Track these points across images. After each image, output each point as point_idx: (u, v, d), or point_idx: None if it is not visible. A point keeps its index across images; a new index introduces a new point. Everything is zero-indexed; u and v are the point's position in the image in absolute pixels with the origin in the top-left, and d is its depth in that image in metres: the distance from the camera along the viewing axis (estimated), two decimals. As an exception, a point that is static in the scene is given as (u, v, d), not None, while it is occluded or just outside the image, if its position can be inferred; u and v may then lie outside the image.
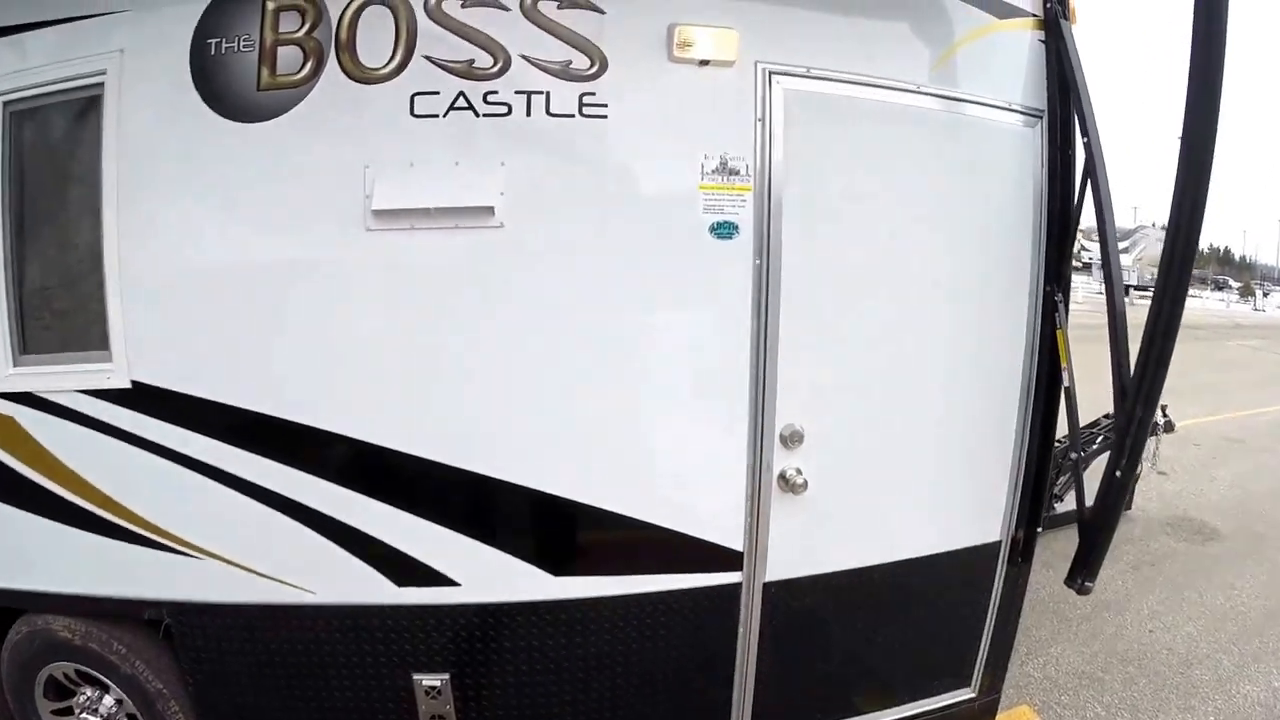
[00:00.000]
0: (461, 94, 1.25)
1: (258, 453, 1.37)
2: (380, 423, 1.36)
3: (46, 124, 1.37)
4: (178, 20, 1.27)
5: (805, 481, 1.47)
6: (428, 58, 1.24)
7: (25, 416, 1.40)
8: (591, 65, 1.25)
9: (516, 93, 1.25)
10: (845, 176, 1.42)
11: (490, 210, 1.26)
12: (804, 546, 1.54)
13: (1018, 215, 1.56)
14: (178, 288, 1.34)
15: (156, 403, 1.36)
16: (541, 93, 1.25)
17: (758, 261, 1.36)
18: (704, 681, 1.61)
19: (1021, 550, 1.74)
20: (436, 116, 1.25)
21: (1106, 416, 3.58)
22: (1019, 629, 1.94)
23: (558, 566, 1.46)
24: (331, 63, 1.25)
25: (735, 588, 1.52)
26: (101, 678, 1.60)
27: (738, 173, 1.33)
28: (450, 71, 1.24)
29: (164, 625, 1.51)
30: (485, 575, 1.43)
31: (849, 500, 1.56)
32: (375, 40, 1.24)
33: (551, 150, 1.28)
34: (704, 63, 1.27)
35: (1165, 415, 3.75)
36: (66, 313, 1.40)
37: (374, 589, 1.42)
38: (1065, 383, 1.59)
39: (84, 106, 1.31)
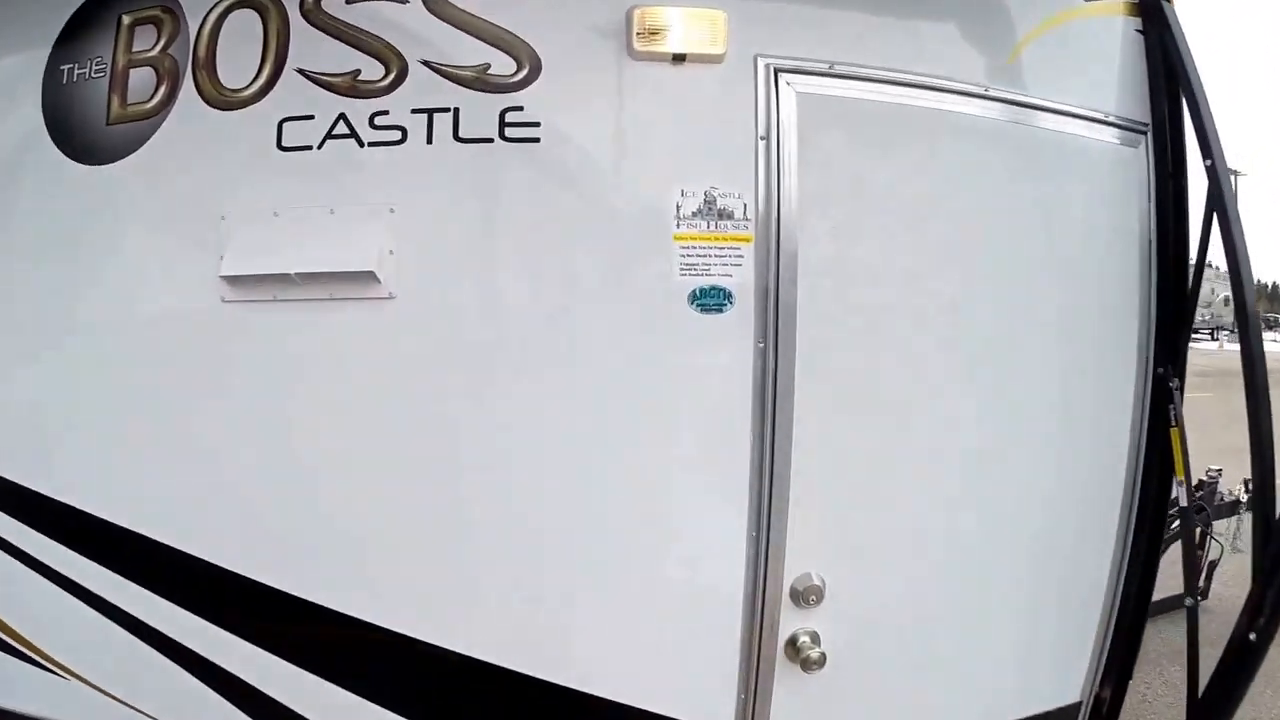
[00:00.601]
0: (342, 117, 0.91)
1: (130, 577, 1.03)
2: (241, 555, 0.99)
3: None
4: (31, 43, 1.03)
5: (823, 654, 0.95)
6: (301, 71, 0.92)
7: None
8: (518, 69, 0.88)
9: (414, 112, 0.89)
10: (887, 219, 0.95)
11: (373, 276, 0.89)
12: None
13: (1118, 272, 1.09)
14: (16, 367, 1.06)
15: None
16: (448, 110, 0.89)
17: (761, 345, 0.91)
18: None
19: (1107, 710, 1.19)
20: (310, 148, 0.92)
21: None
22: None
23: None
24: (188, 85, 0.96)
25: None
26: None
27: (732, 215, 0.89)
28: (329, 88, 0.91)
29: None
30: None
31: (885, 678, 1.02)
32: (239, 54, 0.94)
33: (461, 190, 0.90)
34: (679, 58, 0.87)
35: (1248, 489, 2.84)
36: None
37: None
38: (1181, 500, 1.11)
39: None
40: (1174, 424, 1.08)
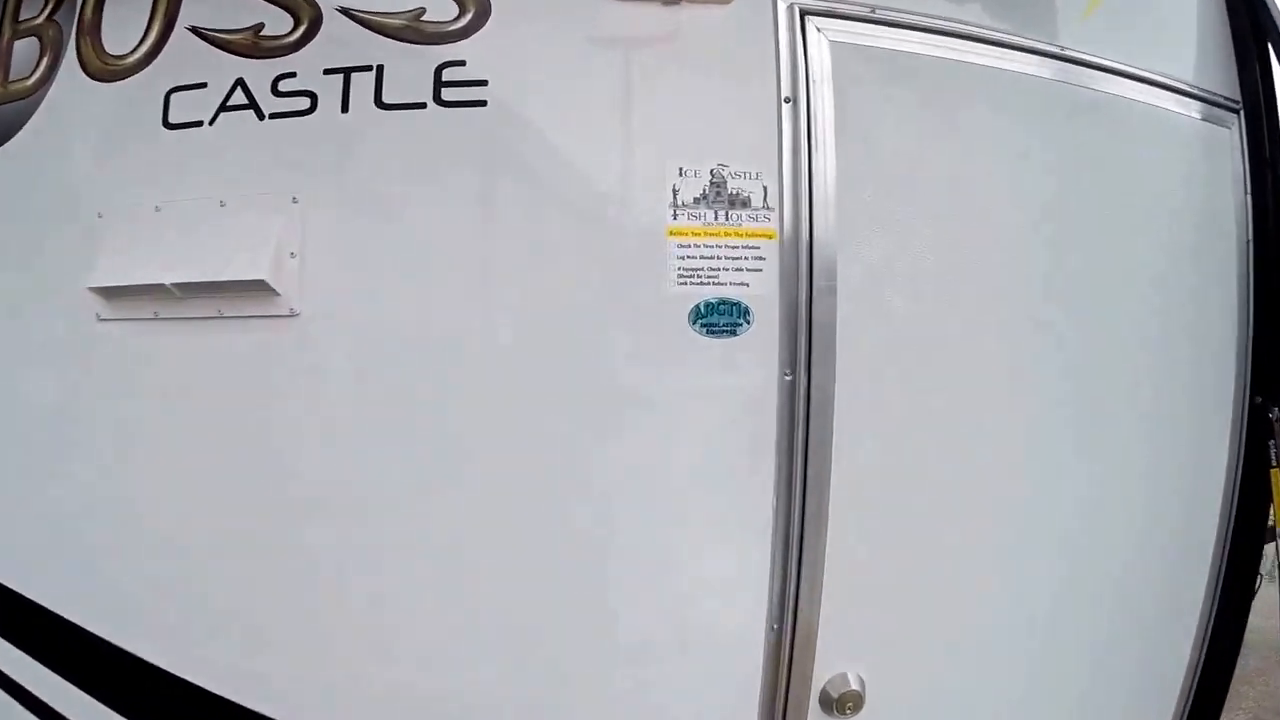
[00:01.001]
0: (240, 84, 0.71)
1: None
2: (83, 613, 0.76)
3: None
4: None
5: None
6: (194, 29, 0.72)
7: None
8: (460, 13, 0.66)
9: (327, 73, 0.68)
10: (951, 208, 0.70)
11: (267, 287, 0.67)
12: None
13: (1209, 281, 0.86)
14: None
15: None
16: (369, 69, 0.67)
17: (789, 378, 0.65)
18: None
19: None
20: (201, 124, 0.72)
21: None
22: None
23: None
24: (70, 55, 0.77)
25: None
26: None
27: (748, 203, 0.65)
28: (225, 47, 0.71)
29: None
30: None
31: None
32: (127, 15, 0.75)
33: (386, 171, 0.68)
34: (672, -5, 0.64)
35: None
36: None
37: None
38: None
39: None
40: (1275, 464, 0.86)
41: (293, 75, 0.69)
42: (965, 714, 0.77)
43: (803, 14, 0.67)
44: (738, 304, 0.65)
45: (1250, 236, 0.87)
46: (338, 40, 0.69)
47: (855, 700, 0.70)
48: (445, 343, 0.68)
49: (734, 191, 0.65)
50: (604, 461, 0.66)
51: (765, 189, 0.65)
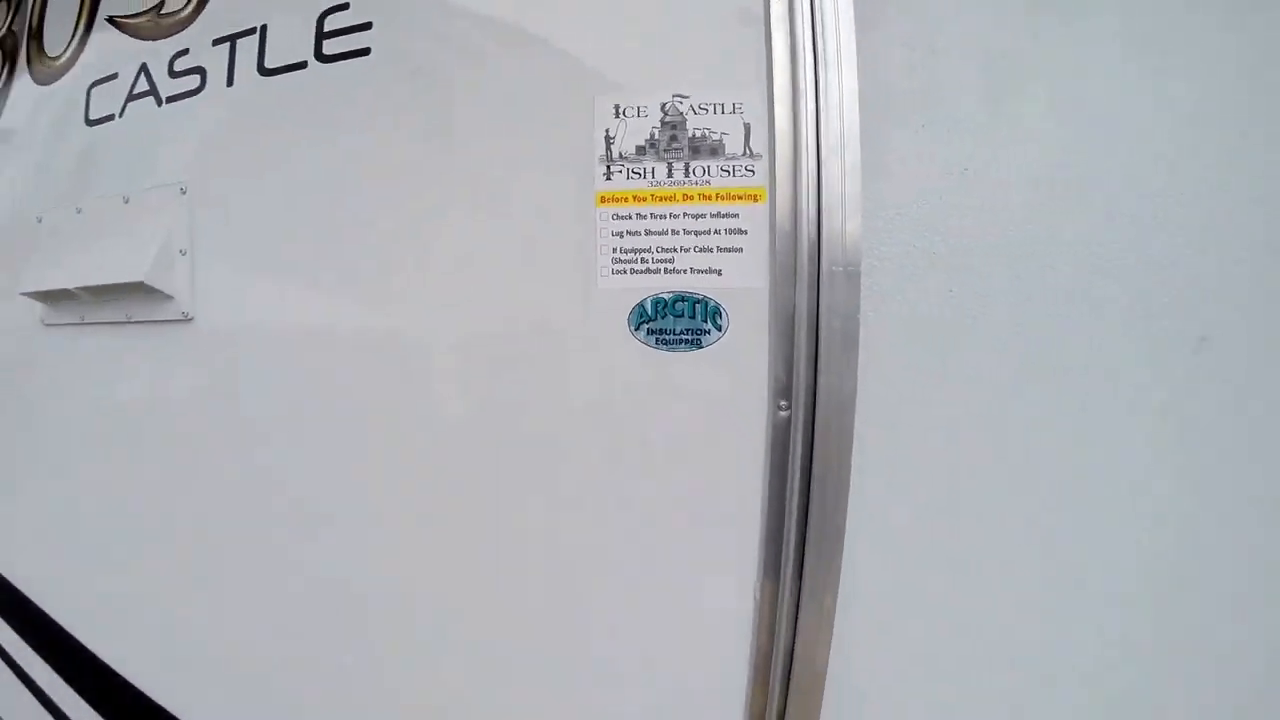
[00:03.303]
0: (143, 69, 0.62)
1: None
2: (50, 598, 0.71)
3: None
4: None
5: None
6: (111, 19, 0.66)
7: None
8: (343, -56, 0.53)
9: (215, 43, 0.57)
10: (1046, 153, 0.42)
11: (148, 289, 0.57)
12: None
13: None
14: None
15: None
16: (252, 31, 0.55)
17: (784, 412, 0.42)
18: None
19: None
20: (113, 117, 0.65)
21: None
22: None
23: None
24: (21, 62, 0.75)
25: None
26: None
27: (720, 149, 0.44)
28: (132, 33, 0.63)
29: None
30: None
31: None
32: (63, 11, 0.71)
33: (268, 148, 0.56)
34: None
35: None
36: None
37: None
38: None
39: None
40: None
41: (185, 52, 0.60)
42: None
43: None
44: (704, 301, 0.44)
45: None
46: (224, 5, 0.58)
47: None
48: (342, 342, 0.54)
49: (699, 132, 0.44)
50: (518, 531, 0.47)
51: (748, 127, 0.44)
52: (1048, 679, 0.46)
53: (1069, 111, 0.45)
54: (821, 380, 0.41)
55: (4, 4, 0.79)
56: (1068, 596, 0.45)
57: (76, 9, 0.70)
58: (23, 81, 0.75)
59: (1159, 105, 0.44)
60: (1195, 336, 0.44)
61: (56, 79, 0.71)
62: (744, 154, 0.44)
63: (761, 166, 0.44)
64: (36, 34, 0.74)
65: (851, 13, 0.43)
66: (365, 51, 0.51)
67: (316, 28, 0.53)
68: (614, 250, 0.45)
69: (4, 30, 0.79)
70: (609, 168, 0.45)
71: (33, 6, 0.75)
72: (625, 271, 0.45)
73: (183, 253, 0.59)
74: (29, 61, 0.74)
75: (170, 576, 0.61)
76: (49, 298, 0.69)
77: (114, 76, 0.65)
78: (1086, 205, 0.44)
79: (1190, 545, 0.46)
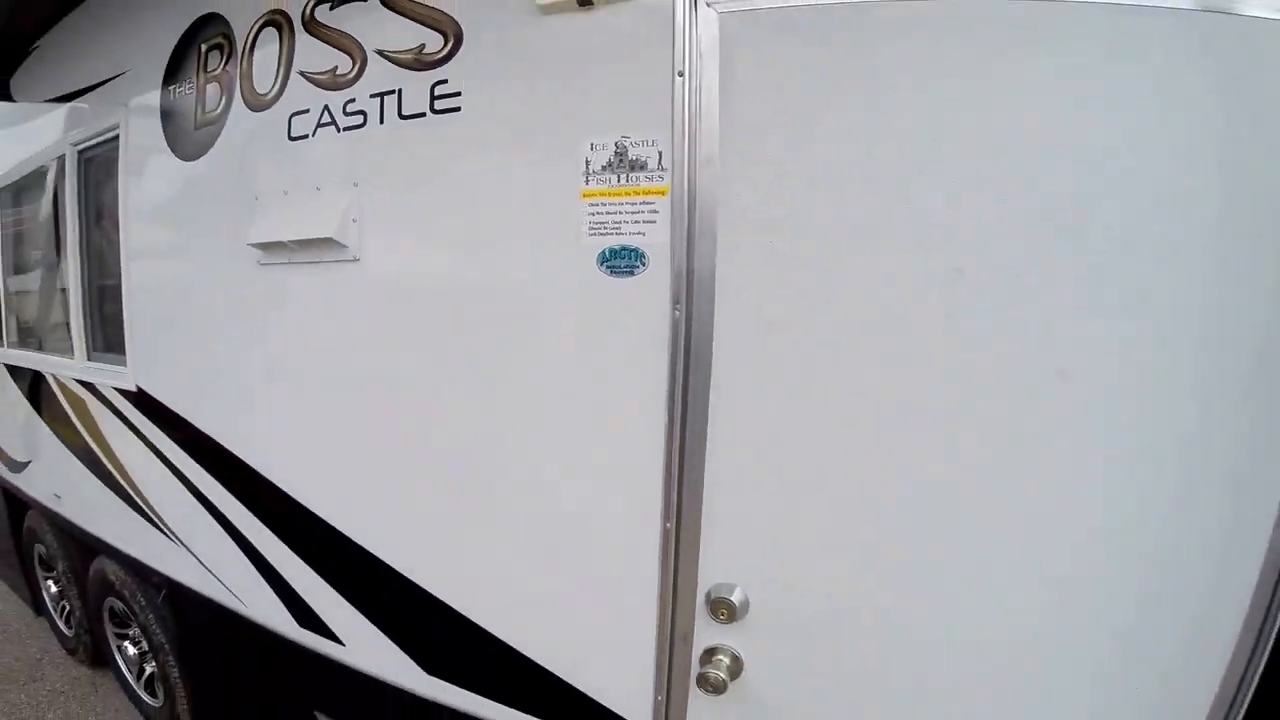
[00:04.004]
0: (326, 108, 1.05)
1: (210, 472, 1.39)
2: (292, 474, 1.24)
3: (97, 169, 1.64)
4: (154, 68, 1.37)
5: (735, 664, 0.83)
6: (302, 73, 1.08)
7: (91, 402, 1.70)
8: (444, 44, 0.92)
9: (371, 97, 0.99)
10: (840, 151, 0.75)
11: (334, 242, 1.02)
12: None
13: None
14: (155, 318, 1.46)
15: (151, 408, 1.50)
16: (394, 91, 0.97)
17: (677, 312, 0.81)
18: None
19: None
20: (307, 137, 1.08)
21: None
22: None
23: (431, 666, 1.11)
24: (237, 94, 1.19)
25: None
26: (133, 620, 1.88)
27: (644, 166, 0.82)
28: (318, 85, 1.06)
29: (164, 592, 1.65)
30: (369, 647, 1.18)
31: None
32: (266, 63, 1.14)
33: (404, 162, 0.98)
34: (585, 2, 0.82)
35: None
36: (110, 327, 1.65)
37: (282, 623, 1.31)
38: None
39: (111, 151, 1.52)
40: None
41: (353, 100, 1.01)
42: (847, 622, 0.82)
43: (701, -1, 0.80)
44: (636, 250, 0.83)
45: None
46: (377, 73, 0.99)
47: (739, 606, 0.82)
48: (442, 279, 0.97)
49: (634, 158, 0.82)
50: (538, 370, 0.90)
51: (660, 153, 0.81)
52: (869, 552, 0.78)
53: (888, 130, 0.77)
54: (695, 295, 0.81)
55: (218, 50, 1.23)
56: (881, 492, 0.77)
57: (276, 62, 1.12)
58: (239, 109, 1.19)
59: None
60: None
61: (266, 108, 1.15)
62: (657, 169, 0.82)
63: (667, 177, 0.82)
64: (247, 76, 1.17)
65: (717, 86, 0.79)
66: (458, 110, 0.91)
67: (430, 92, 0.93)
68: (590, 223, 0.85)
69: (221, 69, 1.23)
70: (588, 178, 0.84)
71: (242, 54, 1.18)
72: (596, 234, 0.85)
73: (354, 221, 1.02)
74: (243, 95, 1.18)
75: (356, 452, 1.08)
76: (265, 247, 1.15)
77: (306, 110, 1.08)
78: (882, 208, 0.79)
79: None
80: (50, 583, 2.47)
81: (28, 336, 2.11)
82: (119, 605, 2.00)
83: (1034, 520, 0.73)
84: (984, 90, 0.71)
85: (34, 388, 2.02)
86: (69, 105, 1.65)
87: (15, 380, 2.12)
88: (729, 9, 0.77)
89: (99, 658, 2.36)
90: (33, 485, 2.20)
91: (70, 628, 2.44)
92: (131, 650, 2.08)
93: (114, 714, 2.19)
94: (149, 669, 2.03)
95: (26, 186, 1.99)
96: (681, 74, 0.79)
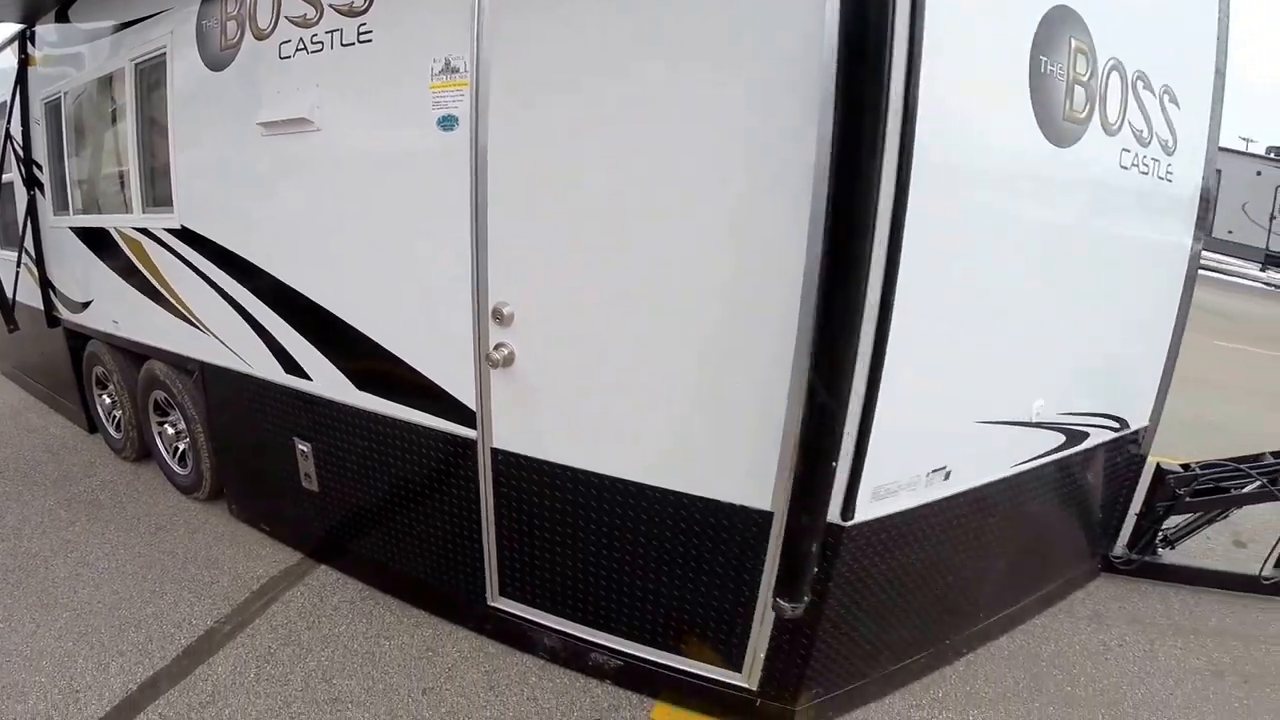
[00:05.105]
0: (300, 39, 1.86)
1: (230, 274, 2.25)
2: (282, 265, 2.10)
3: (149, 77, 2.43)
4: (191, 7, 2.16)
5: (510, 355, 1.70)
6: (287, 18, 1.88)
7: (145, 243, 2.54)
8: (366, 2, 1.73)
9: (327, 32, 1.80)
10: (553, 57, 1.53)
11: (305, 120, 1.85)
12: (522, 425, 1.76)
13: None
14: (195, 176, 2.29)
15: (191, 239, 2.35)
16: (338, 30, 1.78)
17: (474, 148, 1.66)
18: (459, 519, 1.96)
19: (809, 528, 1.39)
20: (290, 58, 1.89)
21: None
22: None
23: (363, 384, 2.00)
24: (247, 29, 1.99)
25: (473, 444, 1.83)
26: (173, 404, 2.76)
27: (458, 70, 1.65)
28: (296, 24, 1.87)
29: (196, 374, 2.53)
30: (327, 379, 2.06)
31: (558, 390, 1.69)
32: (265, 10, 1.94)
33: (344, 72, 1.80)
34: (428, -14, 1.64)
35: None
36: (161, 186, 2.47)
37: (273, 373, 2.17)
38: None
39: (160, 65, 2.32)
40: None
41: (316, 35, 1.82)
42: (576, 333, 1.63)
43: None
44: (454, 116, 1.67)
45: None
46: (330, 19, 1.80)
47: (508, 315, 1.63)
48: (367, 142, 1.81)
49: (453, 65, 1.65)
50: (418, 184, 1.75)
51: (464, 62, 1.63)
52: (586, 285, 1.70)
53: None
54: (478, 139, 1.66)
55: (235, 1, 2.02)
56: (587, 252, 1.68)
57: (271, 10, 1.92)
58: (248, 38, 1.99)
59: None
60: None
61: (265, 39, 1.95)
62: (463, 71, 1.65)
63: (469, 76, 1.64)
64: (254, 17, 1.97)
65: (492, 23, 1.61)
66: (371, 41, 1.73)
67: (357, 30, 1.75)
68: (433, 102, 1.67)
69: (236, 12, 2.01)
70: (432, 77, 1.67)
71: (253, 4, 1.98)
72: (436, 109, 1.67)
73: (318, 107, 1.84)
74: (251, 30, 1.98)
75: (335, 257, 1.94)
76: (267, 125, 1.97)
77: (289, 41, 1.88)
78: (570, 110, 1.63)
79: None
80: (104, 396, 3.34)
81: (91, 205, 2.91)
82: (161, 396, 2.87)
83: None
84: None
85: (97, 241, 2.83)
86: (128, 30, 2.42)
87: (81, 239, 2.93)
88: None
89: (142, 452, 3.26)
90: (94, 319, 3.05)
91: (119, 432, 3.32)
92: (170, 431, 2.97)
93: (150, 493, 3.10)
94: (181, 447, 2.93)
95: (89, 94, 2.77)
96: (475, 13, 1.60)
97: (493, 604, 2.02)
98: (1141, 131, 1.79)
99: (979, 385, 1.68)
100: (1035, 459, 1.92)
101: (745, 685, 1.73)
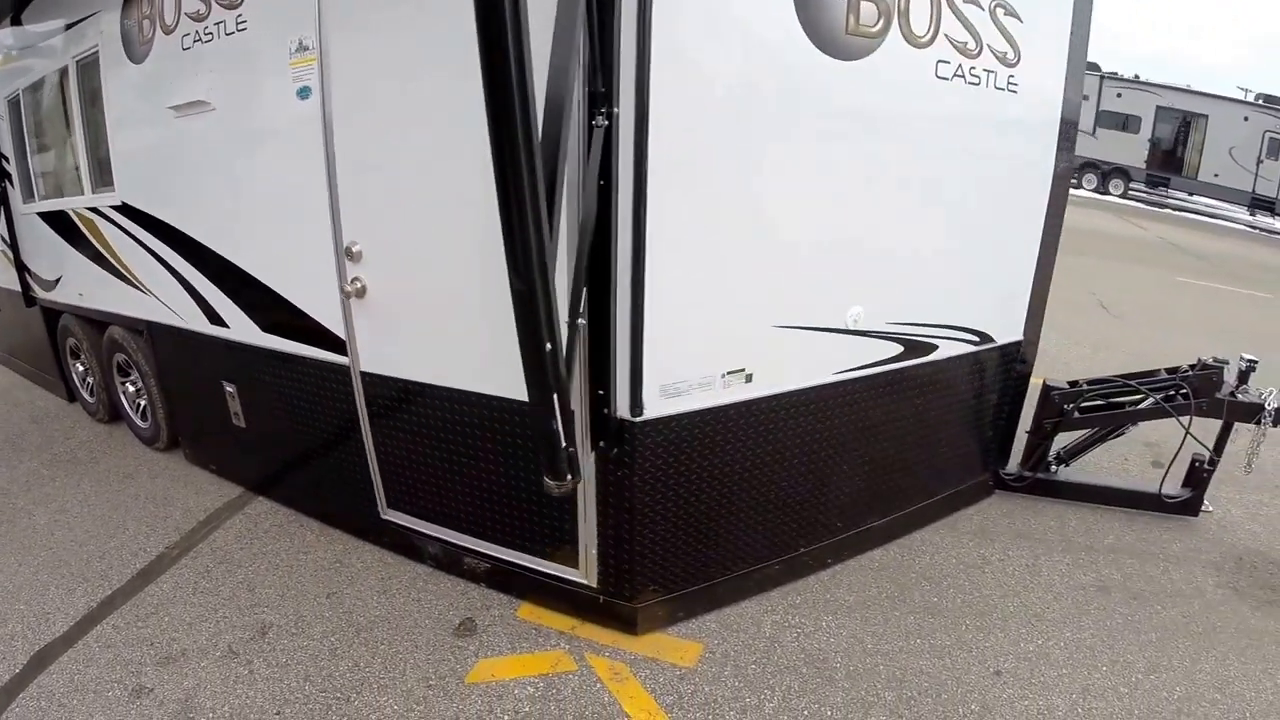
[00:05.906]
0: (196, 31, 2.21)
1: (164, 242, 2.63)
2: (198, 226, 2.48)
3: (89, 72, 2.79)
4: (114, 9, 2.52)
5: (363, 287, 2.03)
6: (186, 14, 2.24)
7: (97, 220, 2.93)
8: (241, -2, 2.08)
9: (214, 24, 2.15)
10: (379, 40, 1.88)
11: (204, 101, 2.21)
12: (380, 348, 2.11)
13: None
14: (129, 157, 2.66)
15: (130, 212, 2.74)
16: (222, 21, 2.12)
17: (324, 111, 1.99)
18: (348, 440, 2.31)
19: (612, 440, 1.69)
20: (190, 48, 2.24)
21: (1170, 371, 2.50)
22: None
23: (265, 326, 2.35)
24: (158, 26, 2.34)
25: (346, 369, 2.17)
26: (131, 364, 3.14)
27: (308, 48, 1.98)
28: (192, 19, 2.22)
29: (145, 334, 2.91)
30: (240, 325, 2.42)
31: (402, 315, 2.02)
32: (170, 8, 2.29)
33: (227, 56, 2.15)
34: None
35: None
36: (104, 169, 2.84)
37: (202, 325, 2.55)
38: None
39: (93, 62, 2.68)
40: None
41: (208, 27, 2.16)
42: (414, 265, 2.01)
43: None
44: (308, 86, 2.00)
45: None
46: (215, 13, 2.14)
47: (359, 253, 1.99)
48: (247, 115, 2.15)
49: (306, 45, 1.98)
50: (288, 147, 2.09)
51: (313, 40, 1.96)
52: (426, 226, 2.03)
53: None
54: (327, 102, 1.99)
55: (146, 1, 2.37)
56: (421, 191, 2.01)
57: (175, 7, 2.27)
58: (159, 34, 2.34)
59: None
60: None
61: (171, 33, 2.30)
62: (313, 49, 1.97)
63: (316, 53, 1.97)
64: (161, 15, 2.32)
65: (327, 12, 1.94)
66: (245, 30, 2.07)
67: (236, 21, 2.09)
68: (293, 76, 2.02)
69: (150, 12, 2.36)
70: (290, 55, 2.00)
71: (161, 3, 2.33)
72: (296, 81, 2.02)
73: (211, 90, 2.20)
74: (160, 26, 2.33)
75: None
76: (177, 108, 2.32)
77: (189, 34, 2.23)
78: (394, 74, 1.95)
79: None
80: (78, 365, 3.74)
81: (53, 191, 3.30)
82: (122, 358, 3.26)
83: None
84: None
85: (60, 223, 3.22)
86: (71, 30, 2.79)
87: (46, 223, 3.32)
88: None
89: (113, 413, 3.66)
90: (62, 294, 3.45)
91: (92, 396, 3.72)
92: (130, 389, 3.36)
93: (121, 448, 3.49)
94: (142, 403, 3.31)
95: (44, 90, 3.16)
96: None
97: (385, 516, 2.36)
98: (966, 43, 1.82)
99: (772, 291, 1.84)
100: (865, 367, 2.03)
101: (586, 582, 1.99)
